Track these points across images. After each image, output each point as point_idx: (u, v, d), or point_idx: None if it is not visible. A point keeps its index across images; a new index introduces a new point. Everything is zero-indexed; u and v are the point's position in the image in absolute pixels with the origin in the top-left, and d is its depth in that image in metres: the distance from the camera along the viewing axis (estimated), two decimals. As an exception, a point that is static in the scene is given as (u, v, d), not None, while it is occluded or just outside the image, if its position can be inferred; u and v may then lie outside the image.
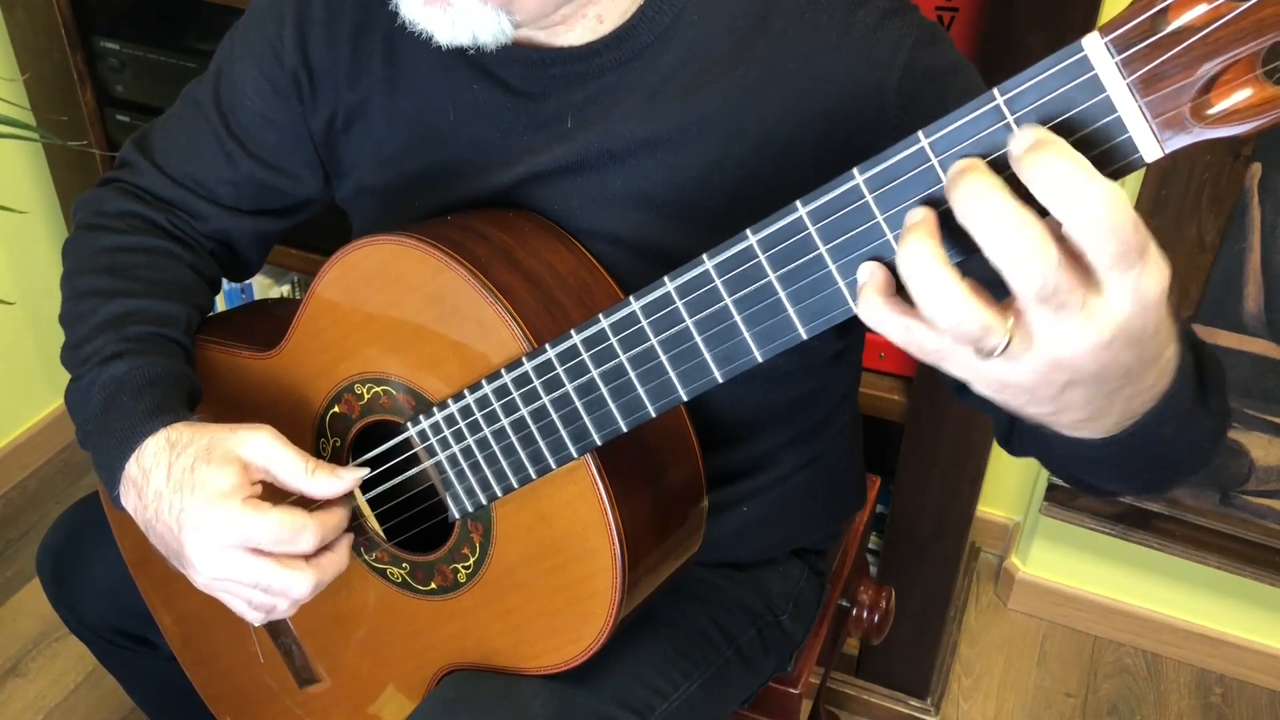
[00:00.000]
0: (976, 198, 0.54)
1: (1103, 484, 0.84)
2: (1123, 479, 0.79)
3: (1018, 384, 0.60)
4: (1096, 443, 0.67)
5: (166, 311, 1.02)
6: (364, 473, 0.92)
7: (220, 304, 1.86)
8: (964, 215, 0.55)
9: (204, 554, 0.88)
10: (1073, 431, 0.66)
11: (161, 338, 1.00)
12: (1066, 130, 0.55)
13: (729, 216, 0.70)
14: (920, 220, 0.58)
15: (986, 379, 0.60)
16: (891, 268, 0.61)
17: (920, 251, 0.56)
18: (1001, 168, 0.56)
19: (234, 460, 0.88)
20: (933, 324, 0.57)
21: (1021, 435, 0.88)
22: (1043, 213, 0.54)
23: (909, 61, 0.88)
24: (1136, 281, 0.54)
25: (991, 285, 0.57)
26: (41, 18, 1.76)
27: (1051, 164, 0.53)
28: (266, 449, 0.89)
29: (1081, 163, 0.53)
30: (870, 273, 0.61)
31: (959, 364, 0.60)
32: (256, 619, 0.93)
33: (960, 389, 0.92)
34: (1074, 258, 0.54)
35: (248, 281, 1.64)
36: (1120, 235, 0.53)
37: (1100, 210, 0.52)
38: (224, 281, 1.17)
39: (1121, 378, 0.60)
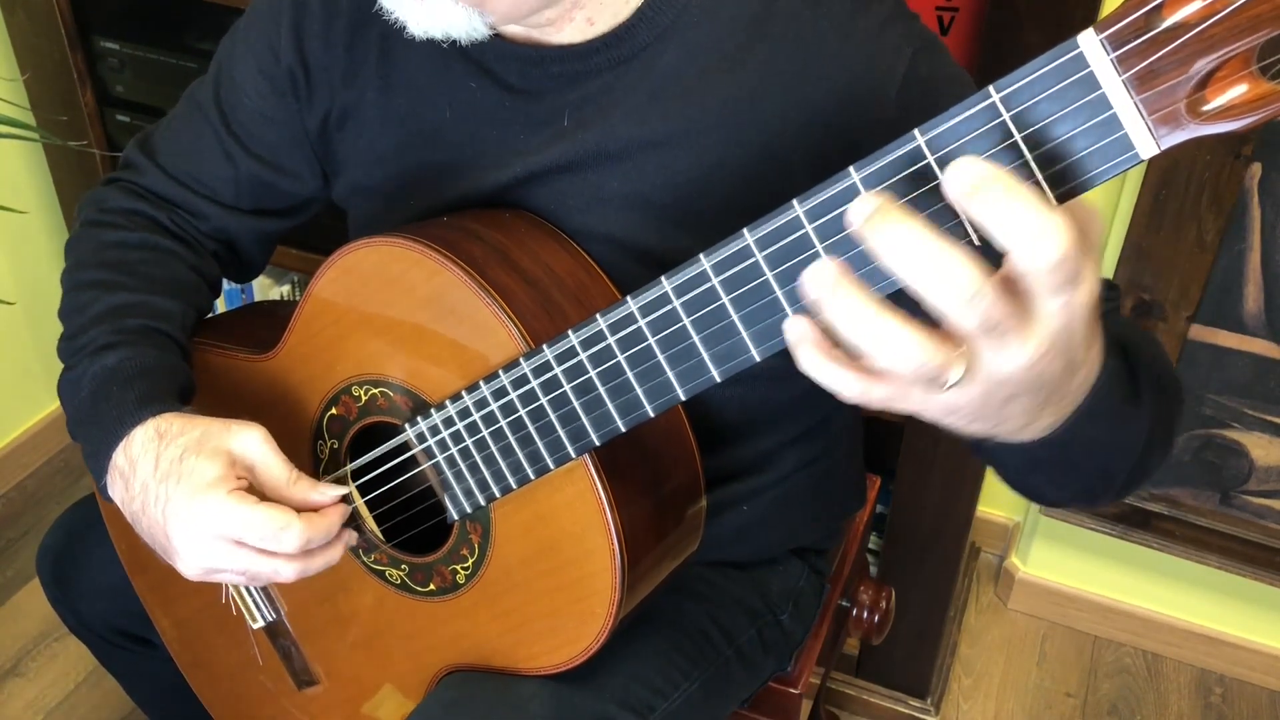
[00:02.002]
0: (903, 243, 0.54)
1: (1050, 489, 0.84)
2: (1064, 481, 0.80)
3: (964, 408, 0.62)
4: (1034, 444, 0.69)
5: (164, 307, 1.02)
6: (342, 490, 0.92)
7: (220, 305, 1.86)
8: (892, 261, 0.55)
9: (189, 545, 0.88)
10: (1010, 438, 0.68)
11: (157, 331, 1.00)
12: (1062, 127, 0.55)
13: (726, 219, 0.70)
14: (837, 274, 0.57)
15: (938, 407, 0.62)
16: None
17: (858, 306, 0.56)
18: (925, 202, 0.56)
19: (223, 452, 0.88)
20: (892, 369, 0.58)
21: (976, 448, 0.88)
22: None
23: (908, 70, 0.88)
24: (1069, 299, 0.56)
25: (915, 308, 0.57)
26: (41, 18, 1.76)
27: (1001, 203, 0.53)
28: (255, 447, 0.90)
29: (1029, 199, 0.53)
30: (802, 330, 0.60)
31: (910, 403, 0.61)
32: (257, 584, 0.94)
33: None
34: (1008, 284, 0.55)
35: (249, 282, 1.64)
36: (1065, 266, 0.54)
37: (1051, 245, 0.53)
38: (224, 282, 1.17)
39: (1053, 382, 0.62)
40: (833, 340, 0.60)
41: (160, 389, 0.95)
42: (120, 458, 0.92)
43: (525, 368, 0.82)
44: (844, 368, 0.60)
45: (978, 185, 0.53)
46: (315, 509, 0.90)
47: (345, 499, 0.93)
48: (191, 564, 0.89)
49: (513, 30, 0.94)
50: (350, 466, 0.99)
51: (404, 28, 0.88)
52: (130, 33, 1.77)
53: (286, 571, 0.89)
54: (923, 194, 0.59)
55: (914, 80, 0.88)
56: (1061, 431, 0.68)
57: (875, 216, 0.55)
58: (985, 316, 0.55)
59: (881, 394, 0.60)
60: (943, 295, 0.54)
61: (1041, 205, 0.53)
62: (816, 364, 0.60)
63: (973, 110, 0.57)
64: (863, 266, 0.61)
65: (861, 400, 0.61)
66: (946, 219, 0.58)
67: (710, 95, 0.91)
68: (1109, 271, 1.62)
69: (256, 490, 0.90)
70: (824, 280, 0.57)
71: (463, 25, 0.86)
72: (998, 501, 2.08)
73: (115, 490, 0.94)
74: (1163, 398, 0.81)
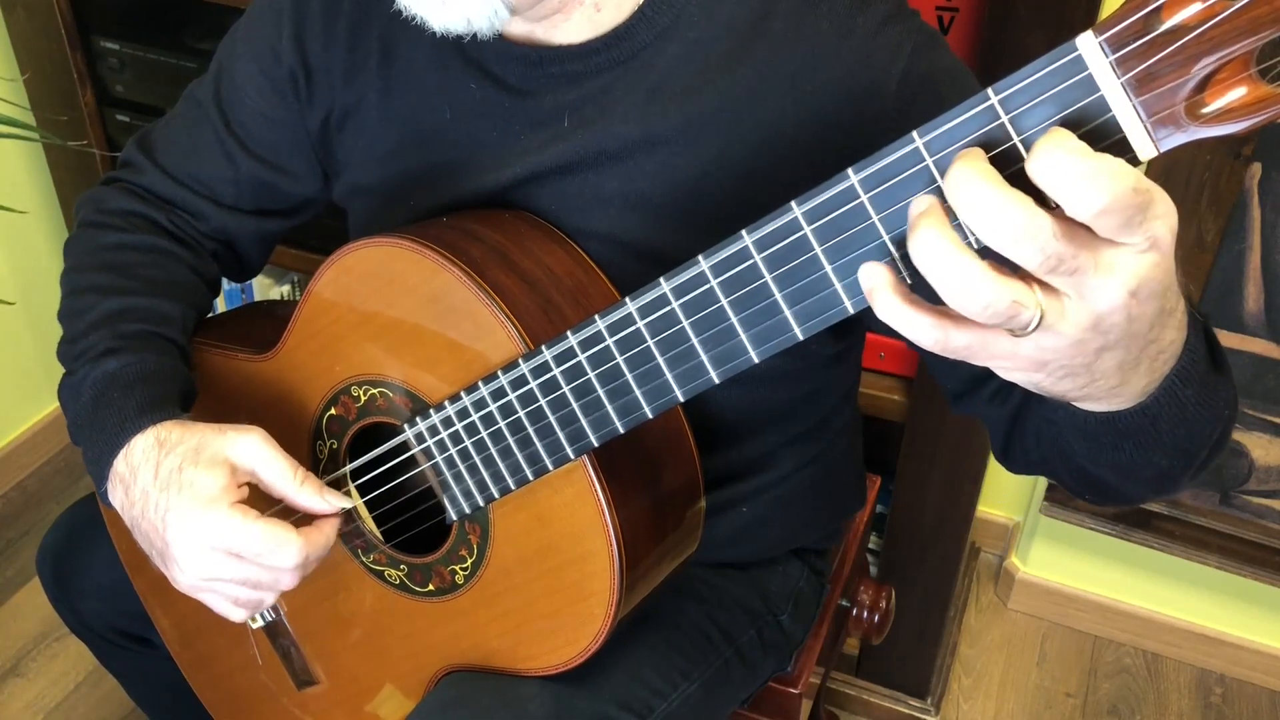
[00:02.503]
0: (964, 183, 0.54)
1: (1125, 479, 0.81)
2: (1149, 456, 0.75)
3: (1055, 357, 0.59)
4: (1125, 413, 0.67)
5: (164, 310, 1.02)
6: (349, 502, 0.92)
7: (220, 304, 1.86)
8: (953, 201, 0.55)
9: (188, 555, 0.88)
10: (1103, 405, 0.66)
11: (157, 336, 1.00)
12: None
13: (726, 219, 0.70)
14: (928, 208, 0.57)
15: (1026, 359, 0.59)
16: (894, 266, 0.61)
17: (935, 239, 0.55)
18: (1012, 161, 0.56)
19: (222, 463, 0.88)
20: (963, 311, 0.56)
21: (1025, 441, 0.87)
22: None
23: (907, 67, 0.88)
24: (1147, 232, 0.54)
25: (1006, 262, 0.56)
26: (41, 18, 1.76)
27: (1048, 156, 0.52)
28: (255, 452, 0.89)
29: (1076, 149, 0.52)
30: (877, 274, 0.59)
31: (996, 351, 0.59)
32: (239, 616, 0.93)
33: (958, 396, 0.92)
34: (1073, 224, 0.54)
35: (248, 282, 1.64)
36: (1119, 209, 0.52)
37: (1095, 195, 0.52)
38: (224, 281, 1.17)
39: (1147, 333, 0.60)
40: (908, 288, 0.59)
41: (161, 395, 0.95)
42: (121, 465, 0.92)
43: (524, 368, 0.82)
44: (921, 312, 0.58)
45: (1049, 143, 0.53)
46: (319, 513, 0.91)
47: (345, 493, 0.93)
48: (189, 573, 0.89)
49: (514, 30, 0.94)
50: (349, 467, 0.99)
51: (424, 24, 0.88)
52: (130, 33, 1.77)
53: (286, 581, 0.89)
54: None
55: (913, 76, 0.88)
56: (1157, 394, 0.66)
57: (956, 159, 0.55)
58: (1044, 254, 0.54)
59: (962, 341, 0.58)
60: (994, 230, 0.54)
61: (1086, 152, 0.52)
62: (894, 308, 0.59)
63: (972, 112, 0.57)
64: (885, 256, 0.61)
65: (941, 348, 0.59)
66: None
67: (709, 95, 0.90)
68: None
69: (262, 493, 0.90)
70: (916, 206, 0.57)
71: (484, 13, 0.86)
72: (998, 501, 2.08)
73: (115, 496, 0.94)
74: (1227, 365, 0.78)
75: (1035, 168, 0.53)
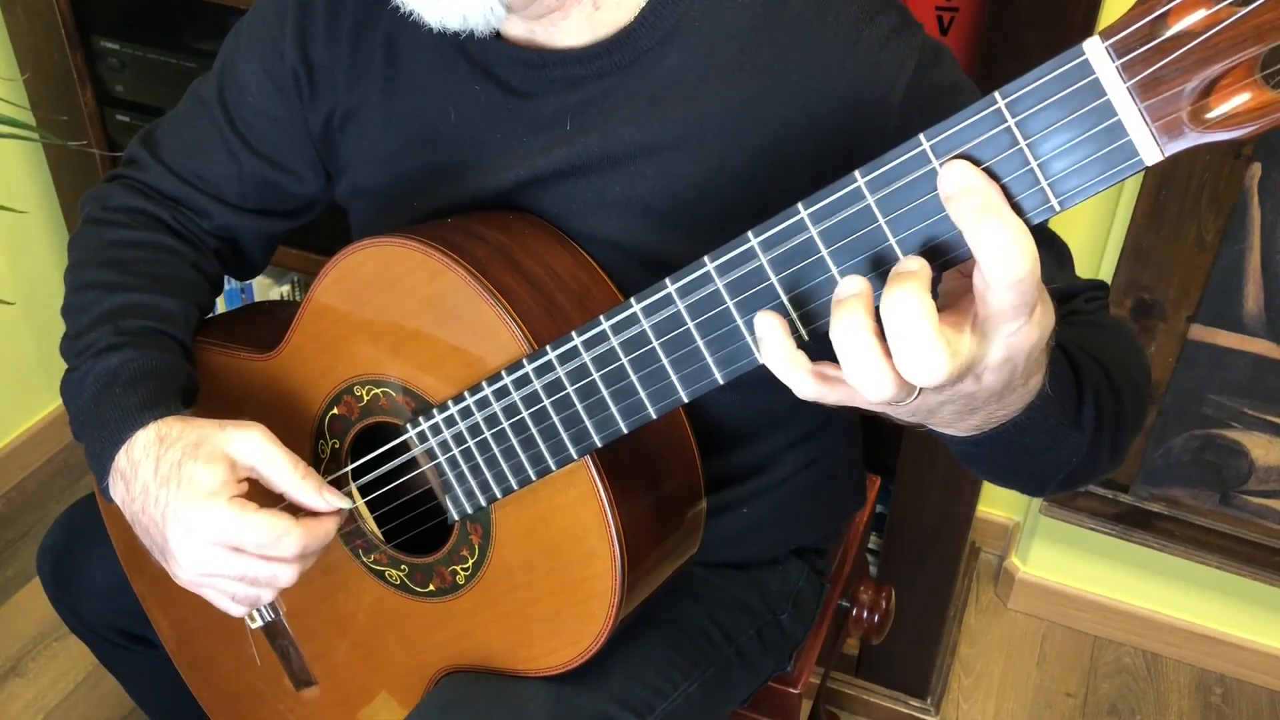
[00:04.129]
0: (903, 314, 0.58)
1: (983, 476, 0.89)
2: (993, 472, 0.86)
3: (906, 408, 0.66)
4: (963, 439, 0.74)
5: (167, 307, 1.02)
6: (349, 503, 0.92)
7: (220, 305, 1.86)
8: (888, 321, 0.59)
9: (188, 550, 0.88)
10: (939, 429, 0.73)
11: (159, 333, 1.00)
12: (1066, 134, 0.55)
13: (726, 226, 0.70)
14: (858, 292, 0.61)
15: (877, 407, 0.66)
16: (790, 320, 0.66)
17: (860, 331, 0.60)
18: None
19: (222, 458, 0.88)
20: (858, 389, 0.62)
21: None
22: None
23: (912, 83, 0.88)
24: (1021, 328, 0.60)
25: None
26: (41, 18, 1.76)
27: (979, 212, 0.56)
28: (256, 447, 0.89)
29: (1008, 217, 0.57)
30: (771, 325, 0.65)
31: (862, 402, 0.65)
32: (238, 611, 0.94)
33: None
34: (973, 325, 0.61)
35: (248, 282, 1.64)
36: (1025, 286, 0.58)
37: (1018, 261, 0.56)
38: (225, 281, 1.17)
39: (984, 401, 0.67)
40: (796, 342, 0.65)
41: (163, 391, 0.95)
42: (122, 460, 0.92)
43: (528, 368, 0.82)
44: (803, 371, 0.64)
45: (964, 191, 0.57)
46: (320, 511, 0.91)
47: (346, 493, 0.93)
48: (188, 568, 0.89)
49: (515, 31, 0.94)
50: (351, 466, 0.99)
51: (420, 20, 0.88)
52: (130, 33, 1.77)
53: (286, 575, 0.89)
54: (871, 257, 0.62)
55: (917, 91, 0.88)
56: (989, 434, 0.72)
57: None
58: (950, 381, 0.60)
59: (836, 397, 0.65)
60: (915, 366, 0.59)
61: (1018, 224, 0.57)
62: (780, 361, 0.65)
63: (978, 116, 0.57)
64: (868, 271, 0.62)
65: (817, 399, 0.65)
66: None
67: (711, 100, 0.90)
68: (1109, 271, 1.62)
69: (264, 489, 0.90)
70: (852, 290, 0.61)
71: (480, 11, 0.86)
72: (998, 501, 2.08)
73: (117, 491, 0.94)
74: (1119, 417, 0.85)
75: (969, 219, 0.57)
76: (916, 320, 0.58)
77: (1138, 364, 0.90)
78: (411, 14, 0.88)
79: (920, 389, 0.63)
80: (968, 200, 0.57)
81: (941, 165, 0.58)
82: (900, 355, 0.59)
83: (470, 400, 0.87)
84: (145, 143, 1.13)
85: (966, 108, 0.57)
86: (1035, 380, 0.69)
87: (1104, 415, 0.82)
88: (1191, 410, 1.68)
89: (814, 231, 0.63)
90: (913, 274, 0.59)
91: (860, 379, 0.61)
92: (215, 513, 0.86)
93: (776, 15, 0.90)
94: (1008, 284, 0.57)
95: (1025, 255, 0.56)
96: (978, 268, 0.57)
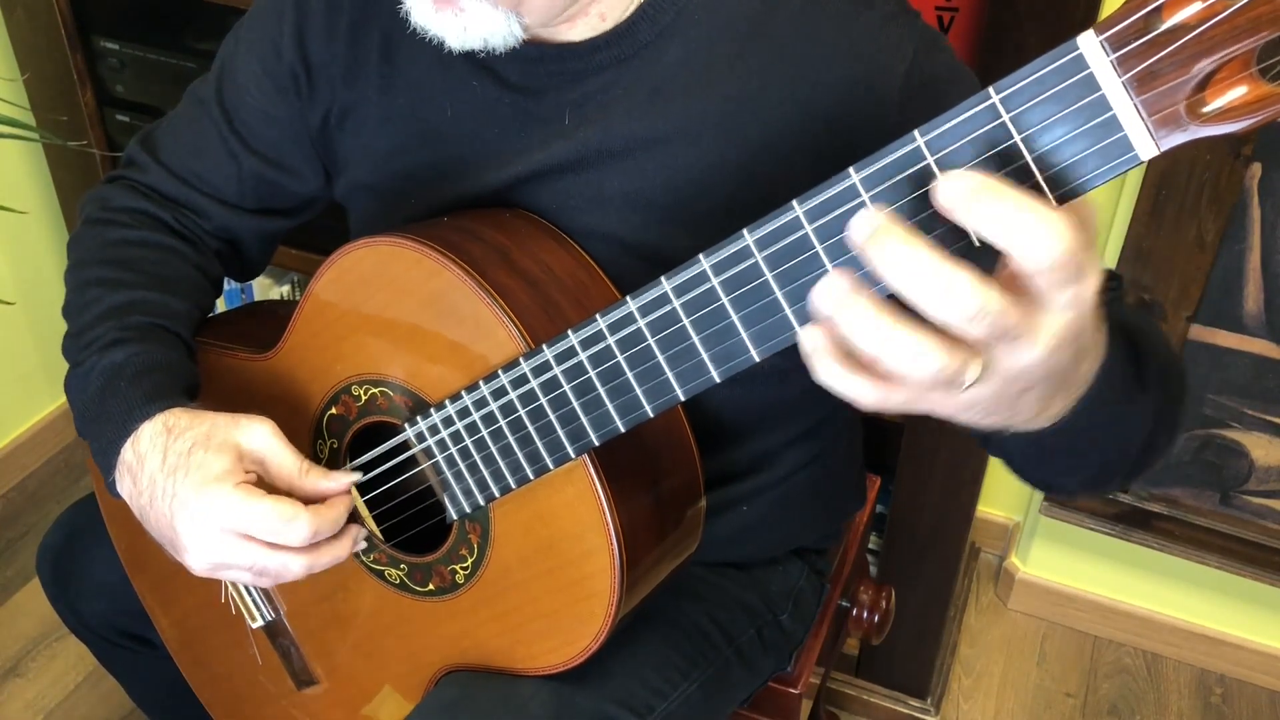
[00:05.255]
0: (905, 263, 0.55)
1: (1059, 478, 0.86)
2: (1072, 467, 0.82)
3: (980, 404, 0.62)
4: (1045, 432, 0.70)
5: (170, 305, 1.02)
6: (357, 476, 0.92)
7: (220, 305, 1.86)
8: (894, 279, 0.56)
9: (198, 539, 0.88)
10: (1022, 428, 0.68)
11: (163, 329, 1.00)
12: (1062, 128, 0.55)
13: (726, 218, 0.70)
14: (848, 288, 0.57)
15: (953, 406, 0.62)
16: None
17: (871, 318, 0.56)
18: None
19: (231, 447, 0.88)
20: (909, 378, 0.58)
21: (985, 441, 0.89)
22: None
23: (909, 69, 0.88)
24: (1076, 293, 0.56)
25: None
26: (41, 18, 1.76)
27: (998, 208, 0.54)
28: (265, 441, 0.90)
29: (1022, 201, 0.54)
30: (817, 340, 0.60)
31: (928, 404, 0.61)
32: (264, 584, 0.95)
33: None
34: (1016, 288, 0.56)
35: (249, 281, 1.64)
36: (1068, 262, 0.54)
37: (1052, 244, 0.53)
38: (225, 280, 1.17)
39: (1064, 372, 0.63)
40: (847, 348, 0.59)
41: (168, 385, 0.95)
42: (128, 453, 0.92)
43: (525, 367, 0.82)
44: (861, 376, 0.60)
45: (969, 195, 0.54)
46: (325, 499, 0.91)
47: (347, 496, 0.93)
48: (200, 558, 0.89)
49: (520, 28, 0.94)
50: (349, 466, 0.99)
51: (442, 42, 0.88)
52: (130, 33, 1.77)
53: (295, 566, 0.89)
54: (923, 195, 0.59)
55: (916, 79, 0.88)
56: (1071, 417, 0.68)
57: (878, 234, 0.56)
58: (992, 327, 0.56)
59: (900, 399, 0.60)
60: (947, 313, 0.55)
61: (1037, 205, 0.54)
62: (834, 374, 0.60)
63: (972, 111, 0.57)
64: (863, 267, 0.60)
65: (880, 407, 0.61)
66: (943, 221, 0.58)
67: (711, 93, 0.90)
68: (1109, 271, 1.62)
69: (267, 484, 0.90)
70: (835, 294, 0.57)
71: (501, 32, 0.87)
72: (998, 501, 2.08)
73: (123, 486, 0.94)
74: (1169, 385, 0.81)
75: (986, 221, 0.54)
76: (910, 255, 0.55)
77: (1168, 343, 0.88)
78: (433, 38, 0.88)
79: (975, 376, 0.58)
80: (978, 202, 0.54)
81: (934, 188, 0.56)
82: (916, 293, 0.55)
83: (468, 399, 0.87)
84: (144, 144, 1.13)
85: (961, 103, 0.57)
86: (1101, 335, 0.66)
87: (1160, 376, 0.80)
88: (1191, 410, 1.68)
89: (809, 228, 0.63)
90: (879, 228, 0.56)
91: (896, 357, 0.56)
92: (222, 497, 0.86)
93: (774, 7, 0.90)
94: (1051, 267, 0.54)
95: (1059, 233, 0.53)
96: (1010, 259, 0.55)
